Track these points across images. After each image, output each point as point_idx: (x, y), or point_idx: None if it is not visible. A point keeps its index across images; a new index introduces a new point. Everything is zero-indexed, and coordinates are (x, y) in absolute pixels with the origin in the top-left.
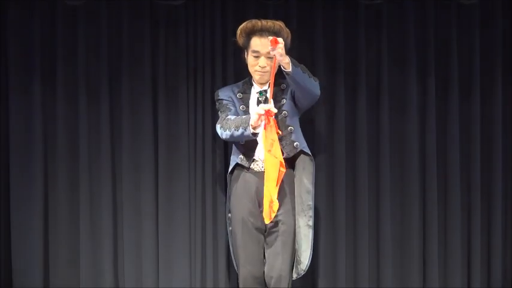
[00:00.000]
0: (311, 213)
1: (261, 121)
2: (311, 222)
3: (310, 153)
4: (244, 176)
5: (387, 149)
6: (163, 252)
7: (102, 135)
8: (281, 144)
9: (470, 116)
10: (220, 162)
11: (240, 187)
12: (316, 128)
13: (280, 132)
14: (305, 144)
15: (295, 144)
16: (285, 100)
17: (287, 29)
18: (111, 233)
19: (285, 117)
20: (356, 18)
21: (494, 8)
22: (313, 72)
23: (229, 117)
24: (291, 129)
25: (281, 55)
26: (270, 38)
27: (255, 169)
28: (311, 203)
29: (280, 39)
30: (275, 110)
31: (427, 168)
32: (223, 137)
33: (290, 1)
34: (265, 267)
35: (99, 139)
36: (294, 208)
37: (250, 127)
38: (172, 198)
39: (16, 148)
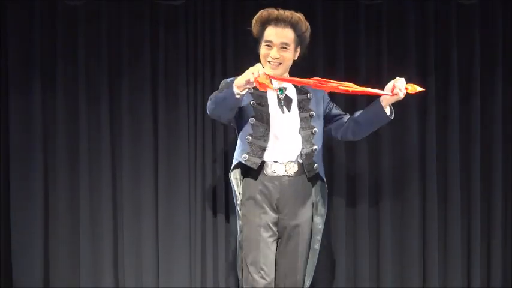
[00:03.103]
0: (319, 237)
1: (249, 84)
2: (317, 246)
3: (325, 180)
4: (263, 179)
5: (387, 148)
6: (163, 252)
7: (102, 135)
8: (302, 164)
9: (470, 116)
10: (220, 161)
11: (260, 192)
12: None
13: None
14: (323, 168)
15: (315, 166)
16: (313, 114)
17: (306, 22)
18: (111, 233)
19: (313, 134)
20: (356, 18)
21: (494, 8)
22: (313, 72)
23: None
24: (315, 149)
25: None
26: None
27: (277, 172)
28: (321, 226)
29: (419, 88)
30: (262, 71)
31: (427, 168)
32: (208, 110)
33: (289, 1)
34: (279, 275)
35: (99, 139)
36: (311, 218)
37: (235, 86)
38: (173, 198)
39: (16, 148)
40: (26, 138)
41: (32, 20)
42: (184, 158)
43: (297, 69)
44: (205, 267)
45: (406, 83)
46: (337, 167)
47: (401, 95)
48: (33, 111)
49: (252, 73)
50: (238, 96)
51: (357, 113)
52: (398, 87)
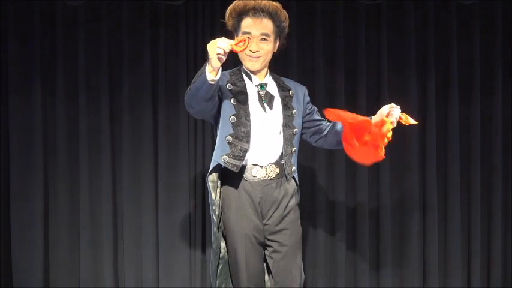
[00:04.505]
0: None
1: (220, 60)
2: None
3: (298, 183)
4: (244, 185)
5: (387, 148)
6: (163, 253)
7: (102, 135)
8: (283, 166)
9: (470, 116)
10: None
11: (242, 198)
12: None
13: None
14: (297, 171)
15: (293, 168)
16: (295, 112)
17: (285, 12)
18: (111, 233)
19: (294, 135)
20: (356, 18)
21: (494, 8)
22: (313, 72)
23: None
24: (294, 151)
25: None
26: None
27: (258, 176)
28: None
29: (411, 120)
30: (225, 41)
31: (427, 168)
32: (186, 106)
33: (289, 1)
34: (272, 283)
35: (99, 139)
36: (298, 218)
37: (207, 72)
38: (173, 198)
39: (16, 148)
40: (26, 139)
41: (32, 20)
42: (184, 158)
43: (297, 69)
44: (205, 267)
45: (401, 112)
46: (336, 168)
47: (394, 124)
48: (33, 111)
49: (218, 47)
50: (212, 83)
51: (339, 125)
52: (395, 116)
